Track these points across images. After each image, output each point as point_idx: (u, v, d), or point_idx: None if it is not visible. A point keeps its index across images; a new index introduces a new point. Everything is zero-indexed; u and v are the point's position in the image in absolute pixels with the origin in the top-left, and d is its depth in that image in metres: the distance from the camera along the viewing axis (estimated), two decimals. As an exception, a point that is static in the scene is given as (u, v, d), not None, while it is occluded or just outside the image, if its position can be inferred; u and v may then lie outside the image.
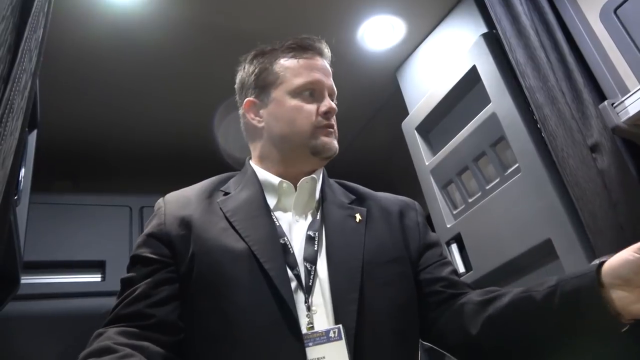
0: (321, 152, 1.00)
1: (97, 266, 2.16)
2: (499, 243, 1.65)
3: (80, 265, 2.15)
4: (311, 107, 1.01)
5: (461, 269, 1.81)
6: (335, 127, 1.04)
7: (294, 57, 1.05)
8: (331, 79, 1.07)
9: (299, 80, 1.02)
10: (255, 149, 1.09)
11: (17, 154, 0.83)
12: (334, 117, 1.04)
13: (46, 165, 1.89)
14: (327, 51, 1.09)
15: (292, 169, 1.02)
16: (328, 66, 1.08)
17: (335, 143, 1.02)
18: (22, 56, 0.89)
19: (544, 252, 1.52)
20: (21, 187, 1.20)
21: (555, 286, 0.80)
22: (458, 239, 1.85)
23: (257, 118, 1.06)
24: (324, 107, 1.00)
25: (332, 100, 1.05)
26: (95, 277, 2.15)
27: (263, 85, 1.05)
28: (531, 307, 0.82)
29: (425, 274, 0.97)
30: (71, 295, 2.06)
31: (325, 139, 1.00)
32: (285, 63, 1.04)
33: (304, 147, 1.00)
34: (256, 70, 1.07)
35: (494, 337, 0.86)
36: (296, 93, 1.02)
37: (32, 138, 1.32)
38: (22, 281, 1.30)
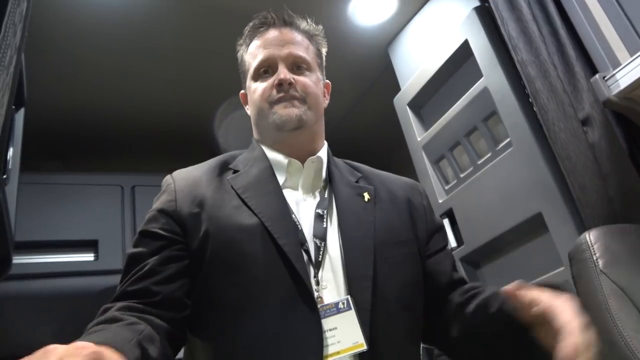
0: (280, 125, 0.97)
1: (90, 245, 2.16)
2: (490, 217, 1.66)
3: (73, 244, 2.15)
4: (265, 85, 1.00)
5: (453, 243, 1.83)
6: (298, 93, 0.99)
7: (253, 39, 1.06)
8: (291, 46, 1.02)
9: (254, 63, 1.03)
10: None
11: (4, 131, 0.82)
12: (299, 85, 0.99)
13: (35, 144, 1.87)
14: (285, 17, 1.06)
15: (287, 149, 1.01)
16: (290, 32, 1.04)
17: (293, 111, 0.97)
18: (5, 30, 0.87)
19: (535, 226, 1.53)
20: (10, 167, 1.18)
21: (501, 307, 0.82)
22: (450, 214, 1.87)
23: (247, 107, 1.11)
24: (276, 79, 0.99)
25: (298, 69, 1.02)
26: (89, 257, 2.15)
27: (242, 76, 1.10)
28: (486, 319, 0.85)
29: (432, 263, 0.99)
30: (65, 275, 2.06)
31: (281, 110, 0.97)
32: (249, 48, 1.07)
33: (270, 126, 1.00)
34: (238, 62, 1.11)
35: (468, 341, 0.90)
36: (256, 76, 1.03)
37: (20, 117, 1.30)
38: (15, 261, 1.29)
